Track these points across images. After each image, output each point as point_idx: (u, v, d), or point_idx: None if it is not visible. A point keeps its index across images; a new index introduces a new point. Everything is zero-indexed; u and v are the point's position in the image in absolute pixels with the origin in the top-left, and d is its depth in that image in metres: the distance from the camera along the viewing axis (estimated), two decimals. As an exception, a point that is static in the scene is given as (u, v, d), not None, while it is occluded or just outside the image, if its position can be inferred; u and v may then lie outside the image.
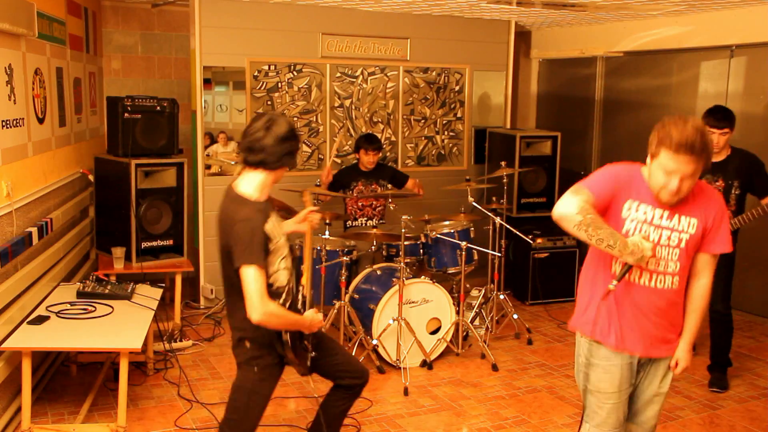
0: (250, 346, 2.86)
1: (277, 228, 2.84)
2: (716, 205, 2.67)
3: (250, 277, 2.67)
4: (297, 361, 2.89)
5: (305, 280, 3.09)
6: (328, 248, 4.94)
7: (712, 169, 4.43)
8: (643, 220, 2.60)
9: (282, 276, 2.86)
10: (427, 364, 4.79)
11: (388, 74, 6.44)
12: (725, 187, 4.40)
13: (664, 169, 2.50)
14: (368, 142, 5.47)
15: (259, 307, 2.66)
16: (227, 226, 2.77)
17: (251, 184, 2.83)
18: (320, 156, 6.26)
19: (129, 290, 4.23)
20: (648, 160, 2.66)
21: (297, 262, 2.99)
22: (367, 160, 5.46)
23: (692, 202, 2.63)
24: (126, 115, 4.92)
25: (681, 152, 2.42)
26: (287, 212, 5.10)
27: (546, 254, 6.13)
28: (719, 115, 4.29)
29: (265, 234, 2.74)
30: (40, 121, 4.28)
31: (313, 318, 2.92)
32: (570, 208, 2.47)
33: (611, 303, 2.66)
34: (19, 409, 3.68)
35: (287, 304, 2.83)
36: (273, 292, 2.80)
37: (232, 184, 2.86)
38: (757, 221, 4.29)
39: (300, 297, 2.96)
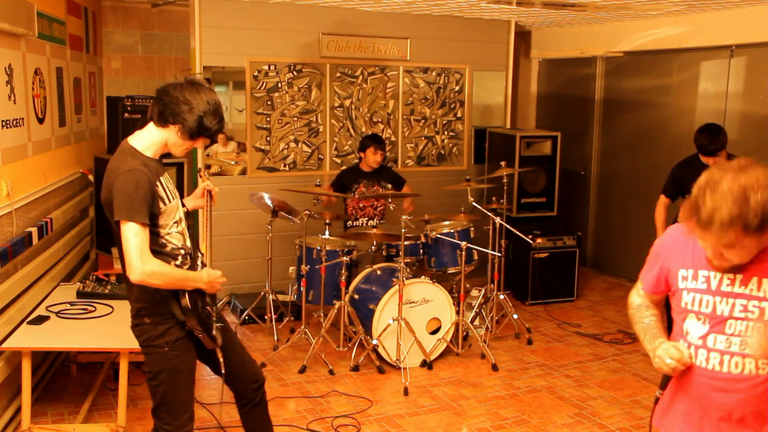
0: (150, 322, 2.64)
1: (170, 190, 2.66)
2: None
3: (129, 232, 2.44)
4: (200, 328, 2.65)
5: (204, 248, 2.91)
6: (328, 248, 4.94)
7: None
8: (704, 290, 2.01)
9: (175, 238, 2.66)
10: (427, 364, 4.79)
11: (388, 74, 6.44)
12: None
13: (701, 240, 1.92)
14: (376, 142, 5.54)
15: (138, 265, 2.44)
16: (111, 176, 2.52)
17: (147, 138, 2.64)
18: (320, 156, 6.26)
19: (129, 290, 4.22)
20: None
21: (192, 227, 2.82)
22: (374, 159, 5.51)
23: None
24: (126, 115, 4.93)
25: (708, 228, 1.83)
26: (289, 212, 5.11)
27: (546, 254, 6.13)
28: (706, 143, 4.35)
29: (152, 191, 2.53)
30: (40, 121, 4.28)
31: (209, 273, 2.70)
32: (630, 306, 2.30)
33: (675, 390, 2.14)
34: (19, 409, 3.68)
35: (185, 268, 2.66)
36: (168, 253, 2.62)
37: (127, 137, 2.67)
38: None
39: (199, 263, 2.78)
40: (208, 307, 2.74)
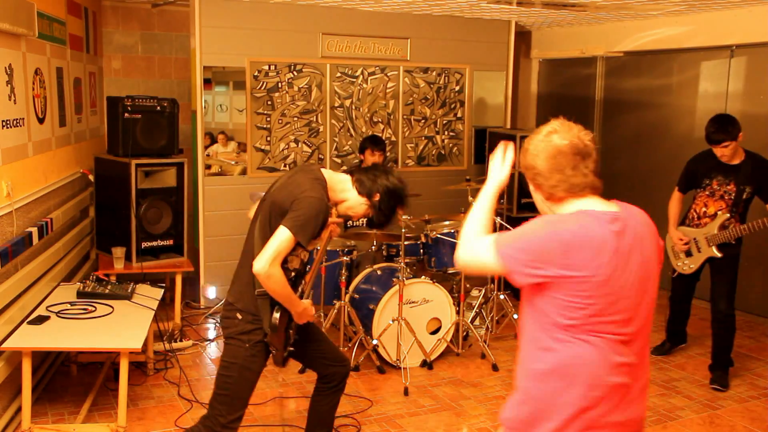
0: (241, 318, 2.84)
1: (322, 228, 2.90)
2: None
3: (283, 238, 2.68)
4: (276, 345, 2.87)
5: (308, 277, 3.10)
6: (328, 248, 4.94)
7: (725, 171, 4.41)
8: None
9: (297, 262, 2.88)
10: (427, 364, 4.79)
11: (388, 74, 6.44)
12: (737, 192, 4.39)
13: None
14: (374, 143, 5.53)
15: (266, 261, 2.65)
16: (296, 191, 2.76)
17: (337, 182, 2.92)
18: (320, 156, 6.26)
19: (129, 290, 4.23)
20: None
21: (309, 259, 3.04)
22: (373, 161, 5.50)
23: None
24: (126, 115, 4.92)
25: None
26: None
27: (546, 254, 6.12)
28: (712, 130, 4.33)
29: (322, 226, 2.79)
30: (40, 121, 4.28)
31: (307, 307, 2.92)
32: None
33: None
34: (19, 409, 3.68)
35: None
36: (284, 269, 2.79)
37: (321, 167, 2.94)
38: (760, 232, 4.30)
39: (300, 289, 2.96)
40: (291, 331, 2.94)
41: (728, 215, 4.40)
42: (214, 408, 2.89)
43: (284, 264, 2.79)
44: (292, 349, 2.98)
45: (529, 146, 2.05)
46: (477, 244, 2.01)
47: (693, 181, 4.65)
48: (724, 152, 4.34)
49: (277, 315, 2.80)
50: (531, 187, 2.15)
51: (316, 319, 5.01)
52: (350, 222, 5.63)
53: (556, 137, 2.05)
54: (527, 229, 1.97)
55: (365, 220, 5.60)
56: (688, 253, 4.65)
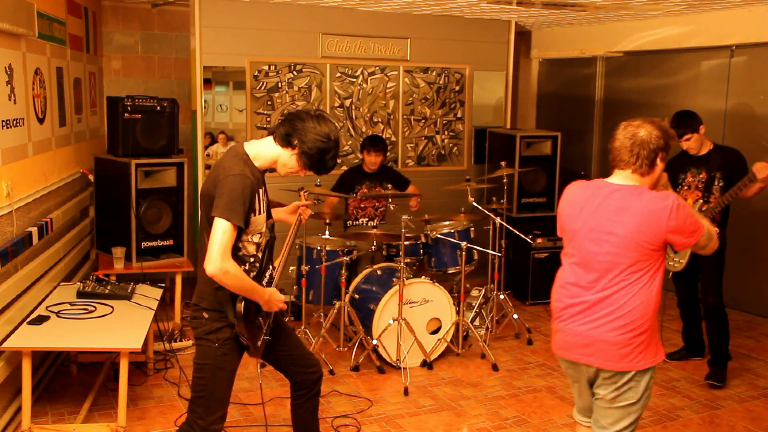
0: (208, 317, 2.76)
1: (263, 202, 2.79)
2: None
3: (220, 229, 2.58)
4: (247, 335, 2.76)
5: (278, 263, 3.01)
6: (328, 248, 4.94)
7: (696, 162, 4.60)
8: None
9: (250, 247, 2.78)
10: (427, 364, 4.79)
11: (388, 74, 6.44)
12: (707, 179, 4.55)
13: None
14: (372, 144, 5.54)
15: (216, 260, 2.56)
16: (220, 174, 2.67)
17: (261, 149, 2.78)
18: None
19: (129, 290, 4.23)
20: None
21: (271, 242, 2.92)
22: (370, 161, 5.51)
23: None
24: (126, 115, 4.92)
25: None
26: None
27: (546, 254, 6.13)
28: (673, 125, 4.49)
29: (252, 199, 2.67)
30: (40, 121, 4.28)
31: (273, 294, 2.82)
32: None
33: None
34: (19, 409, 3.68)
35: (251, 275, 2.77)
36: (238, 258, 2.71)
37: (242, 142, 2.83)
38: (735, 199, 4.41)
39: (267, 275, 2.88)
40: (260, 318, 2.85)
41: (700, 202, 4.53)
42: (193, 411, 2.82)
43: (238, 252, 2.72)
44: (267, 337, 2.90)
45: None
46: None
47: (672, 179, 4.72)
48: (689, 145, 4.54)
49: (240, 304, 2.69)
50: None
51: (316, 318, 5.02)
52: (350, 222, 5.63)
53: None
54: None
55: (366, 219, 5.61)
56: (675, 250, 4.66)
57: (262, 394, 4.10)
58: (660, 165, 2.68)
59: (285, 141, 2.75)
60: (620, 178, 2.68)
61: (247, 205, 2.65)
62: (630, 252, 2.59)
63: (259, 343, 2.86)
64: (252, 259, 2.80)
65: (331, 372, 4.63)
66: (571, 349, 2.76)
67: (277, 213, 3.14)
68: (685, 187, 4.66)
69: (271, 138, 2.80)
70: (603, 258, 2.64)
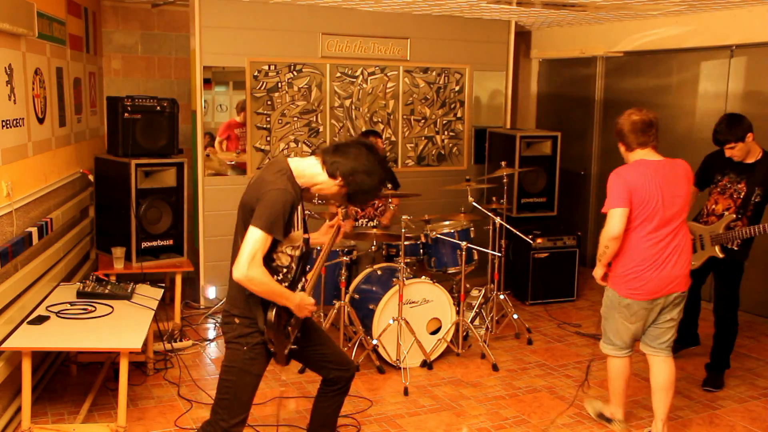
0: (239, 323, 2.83)
1: (300, 218, 2.84)
2: None
3: (254, 237, 2.65)
4: (274, 343, 2.83)
5: (311, 275, 3.08)
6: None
7: (738, 169, 4.34)
8: None
9: (284, 258, 2.85)
10: (427, 364, 4.79)
11: (388, 74, 6.44)
12: (747, 192, 4.29)
13: None
14: (375, 133, 5.65)
15: (244, 266, 2.62)
16: (262, 187, 2.74)
17: (306, 169, 2.83)
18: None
19: (129, 290, 4.23)
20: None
21: (306, 255, 2.99)
22: (380, 148, 5.55)
23: None
24: (126, 115, 4.92)
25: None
26: None
27: (546, 254, 6.13)
28: (717, 130, 4.27)
29: (291, 215, 2.74)
30: (40, 121, 4.28)
31: (303, 299, 2.88)
32: None
33: None
34: (19, 409, 3.68)
35: (283, 285, 2.83)
36: (271, 268, 2.78)
37: (286, 156, 2.88)
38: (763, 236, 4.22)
39: (300, 286, 2.94)
40: (290, 328, 2.91)
41: (734, 216, 4.30)
42: (216, 413, 2.88)
43: (271, 263, 2.78)
44: (294, 346, 2.96)
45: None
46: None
47: (707, 176, 4.54)
48: (732, 153, 4.26)
49: (271, 312, 2.78)
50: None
51: (316, 318, 5.02)
52: (356, 223, 5.63)
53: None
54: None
55: (366, 220, 5.61)
56: (692, 250, 4.60)
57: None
58: None
59: (332, 170, 2.80)
60: (649, 154, 3.61)
61: (287, 219, 2.71)
62: (687, 207, 3.65)
63: (286, 352, 2.92)
64: (285, 270, 2.86)
65: (331, 372, 4.63)
66: (663, 288, 3.60)
67: (312, 236, 3.17)
68: (718, 189, 4.44)
69: (316, 161, 2.84)
70: (678, 216, 3.59)
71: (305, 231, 2.96)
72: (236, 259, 2.66)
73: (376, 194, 2.93)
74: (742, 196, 4.32)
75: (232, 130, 5.95)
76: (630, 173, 3.58)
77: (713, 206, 4.50)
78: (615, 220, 3.61)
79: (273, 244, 2.73)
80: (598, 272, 3.77)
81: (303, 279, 2.99)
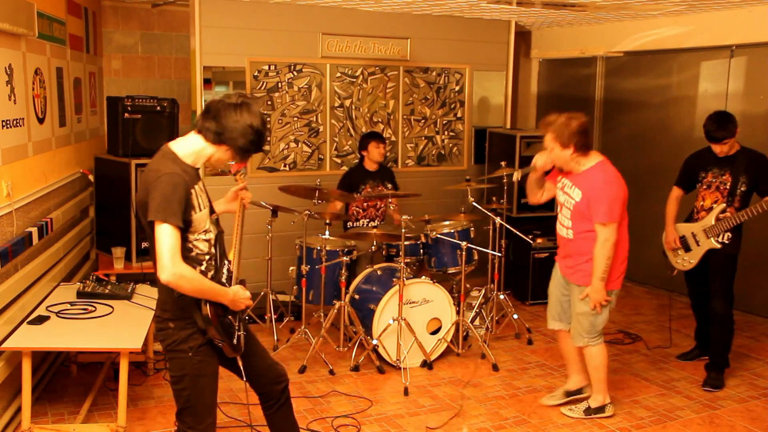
0: (174, 326, 2.66)
1: (202, 199, 2.68)
2: (597, 183, 3.73)
3: (164, 233, 2.48)
4: (220, 337, 2.66)
5: (232, 255, 2.92)
6: (328, 248, 4.94)
7: (720, 163, 4.46)
8: (560, 187, 3.94)
9: (201, 245, 2.68)
10: (427, 364, 4.79)
11: (388, 74, 6.44)
12: (732, 183, 4.41)
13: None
14: (377, 136, 5.63)
15: (169, 266, 2.47)
16: (150, 178, 2.57)
17: (189, 146, 2.67)
18: (320, 156, 6.25)
19: (129, 290, 4.23)
20: None
21: (220, 236, 2.83)
22: (379, 153, 5.56)
23: (582, 178, 3.78)
24: (126, 115, 4.92)
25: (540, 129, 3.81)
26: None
27: (546, 254, 6.13)
28: (713, 128, 4.38)
29: (187, 196, 2.57)
30: (40, 121, 4.28)
31: (237, 293, 2.73)
32: None
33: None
34: (19, 409, 3.68)
35: (209, 274, 2.68)
36: (192, 258, 2.63)
37: (169, 142, 2.71)
38: (757, 217, 4.32)
39: (225, 271, 2.79)
40: (230, 317, 2.75)
41: (724, 205, 4.42)
42: (183, 422, 2.76)
43: (190, 253, 2.63)
44: (242, 332, 2.81)
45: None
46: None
47: (692, 177, 4.66)
48: (723, 148, 4.40)
49: (206, 307, 2.61)
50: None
51: (316, 318, 5.02)
52: (350, 223, 5.63)
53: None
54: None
55: (366, 221, 5.61)
56: (687, 249, 4.64)
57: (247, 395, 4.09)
58: None
59: (216, 139, 2.63)
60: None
61: (183, 203, 2.54)
62: None
63: (235, 341, 2.76)
64: (207, 257, 2.70)
65: (331, 372, 4.63)
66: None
67: (217, 205, 3.00)
68: (704, 186, 4.56)
69: (198, 136, 2.66)
70: None
71: (212, 211, 2.78)
72: (157, 262, 2.49)
73: (264, 136, 2.69)
74: (728, 187, 4.44)
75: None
76: (621, 178, 3.80)
77: (702, 202, 4.61)
78: (614, 231, 3.72)
79: (184, 234, 2.58)
80: (602, 292, 3.81)
81: (226, 262, 2.83)
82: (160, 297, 2.72)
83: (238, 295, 2.74)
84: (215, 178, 5.89)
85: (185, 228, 2.59)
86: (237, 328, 2.79)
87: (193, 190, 2.61)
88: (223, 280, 2.76)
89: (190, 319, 2.65)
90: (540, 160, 3.95)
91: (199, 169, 2.71)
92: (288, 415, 3.08)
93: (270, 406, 3.02)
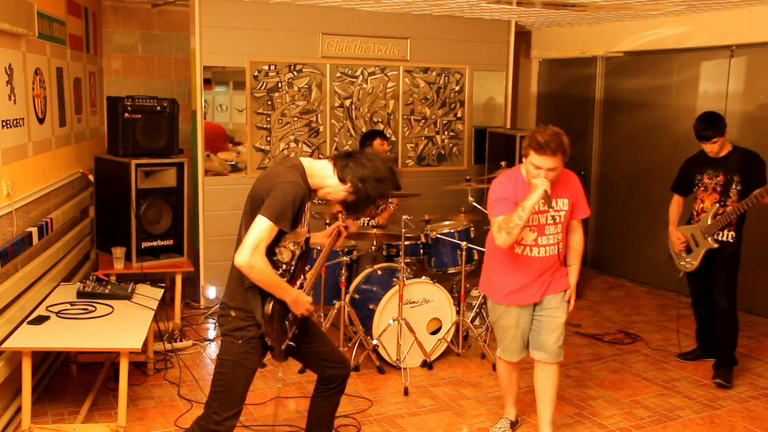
0: (235, 315, 2.83)
1: (306, 216, 2.86)
2: (576, 184, 3.62)
3: (260, 226, 2.65)
4: (272, 337, 2.83)
5: (310, 275, 3.09)
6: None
7: (713, 164, 4.53)
8: (532, 212, 3.40)
9: (285, 253, 2.85)
10: (427, 364, 4.79)
11: (388, 74, 6.44)
12: (725, 182, 4.48)
13: (533, 164, 3.35)
14: (381, 134, 5.66)
15: (247, 253, 2.63)
16: (274, 179, 2.75)
17: (317, 168, 2.85)
18: (320, 156, 6.25)
19: (129, 290, 4.23)
20: (523, 160, 3.42)
21: (305, 253, 3.00)
22: (383, 150, 5.56)
23: (560, 186, 3.51)
24: (126, 115, 4.93)
25: (541, 152, 3.30)
26: None
27: (546, 254, 6.12)
28: (702, 127, 4.47)
29: (300, 210, 2.75)
30: (40, 121, 4.28)
31: (300, 295, 2.88)
32: (498, 238, 3.38)
33: (509, 273, 3.60)
34: (19, 409, 3.68)
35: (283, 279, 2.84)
36: (272, 262, 2.77)
37: (299, 156, 2.88)
38: (748, 210, 4.37)
39: (298, 283, 2.95)
40: (287, 322, 2.90)
41: (718, 205, 4.49)
42: (209, 406, 2.88)
43: (272, 257, 2.78)
44: (291, 343, 2.95)
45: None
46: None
47: (689, 180, 4.73)
48: (712, 148, 4.47)
49: (269, 305, 2.77)
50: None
51: (317, 319, 5.02)
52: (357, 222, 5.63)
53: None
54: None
55: (366, 219, 5.60)
56: (688, 251, 4.68)
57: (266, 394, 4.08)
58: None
59: (343, 176, 2.82)
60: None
61: (295, 212, 2.72)
62: None
63: (283, 347, 2.90)
64: (285, 266, 2.86)
65: (331, 372, 4.63)
66: None
67: (313, 236, 3.19)
68: (702, 189, 4.61)
69: (328, 164, 2.86)
70: None
71: (308, 230, 2.97)
72: (240, 246, 2.66)
73: (377, 203, 2.95)
74: (722, 185, 4.49)
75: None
76: None
77: (701, 205, 4.65)
78: None
79: (277, 237, 2.73)
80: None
81: (302, 277, 3.00)
82: (229, 285, 2.88)
83: (300, 297, 2.89)
84: (213, 178, 5.90)
85: (282, 234, 2.75)
86: (289, 337, 2.93)
87: (305, 205, 2.81)
88: (294, 286, 2.92)
89: (251, 312, 2.80)
90: (547, 185, 3.37)
91: (313, 191, 2.88)
92: (335, 405, 3.24)
93: (327, 389, 3.17)
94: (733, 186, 4.45)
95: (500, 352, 3.83)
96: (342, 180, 2.83)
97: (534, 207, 3.35)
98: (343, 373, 3.16)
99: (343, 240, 3.35)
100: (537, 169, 3.33)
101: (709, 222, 4.51)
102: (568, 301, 3.68)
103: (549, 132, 3.32)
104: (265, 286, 2.74)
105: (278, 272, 2.82)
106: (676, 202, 4.83)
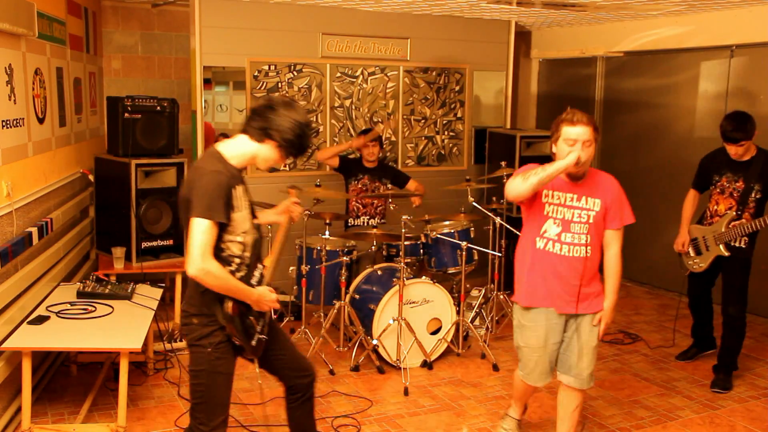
0: (197, 322, 2.72)
1: (242, 200, 2.72)
2: (613, 188, 3.30)
3: (198, 228, 2.54)
4: (239, 336, 2.72)
5: (268, 261, 2.98)
6: (328, 248, 4.94)
7: (734, 167, 4.35)
8: (558, 203, 3.25)
9: (235, 247, 2.72)
10: (427, 364, 4.79)
11: (388, 74, 6.44)
12: (744, 189, 4.30)
13: (567, 140, 3.14)
14: (364, 134, 5.62)
15: (197, 261, 2.53)
16: (191, 178, 2.65)
17: (235, 147, 2.73)
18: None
19: (129, 290, 4.23)
20: (554, 147, 3.23)
21: (258, 241, 2.87)
22: (368, 152, 5.55)
23: (594, 186, 3.27)
24: (126, 115, 4.92)
25: (576, 123, 3.11)
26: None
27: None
28: (730, 129, 4.22)
29: (229, 196, 2.63)
30: (40, 121, 4.28)
31: (263, 294, 2.78)
32: (512, 182, 3.24)
33: (536, 271, 3.30)
34: (19, 409, 3.68)
35: (237, 275, 2.71)
36: (223, 258, 2.66)
37: (216, 144, 2.77)
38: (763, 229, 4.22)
39: (257, 273, 2.83)
40: (251, 318, 2.79)
41: (735, 214, 4.34)
42: (195, 417, 2.80)
43: (221, 253, 2.66)
44: (263, 336, 2.85)
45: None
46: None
47: (706, 178, 4.57)
48: (737, 151, 4.27)
49: (228, 304, 2.66)
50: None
51: (317, 319, 5.02)
52: (350, 221, 5.63)
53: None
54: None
55: (366, 218, 5.61)
56: (698, 252, 4.60)
57: (262, 394, 4.10)
58: None
59: (263, 135, 2.70)
60: None
61: (225, 200, 2.60)
62: None
63: (254, 343, 2.80)
64: (238, 260, 2.74)
65: (331, 372, 4.63)
66: None
67: (267, 215, 3.12)
68: (718, 191, 4.45)
69: (244, 136, 2.73)
70: None
71: (253, 216, 2.83)
72: (187, 256, 2.56)
73: (307, 132, 2.75)
74: (741, 193, 4.33)
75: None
76: None
77: (715, 207, 4.53)
78: None
79: (219, 233, 2.62)
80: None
81: (260, 266, 2.88)
82: (187, 292, 2.78)
83: (263, 296, 2.80)
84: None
85: (223, 227, 2.64)
86: (259, 331, 2.83)
87: (234, 190, 2.66)
88: (253, 282, 2.80)
89: (214, 316, 2.70)
90: (584, 155, 3.12)
91: (242, 170, 2.77)
92: (309, 411, 3.14)
93: (294, 400, 3.08)
94: (753, 195, 4.27)
95: (523, 376, 3.46)
96: (261, 140, 2.70)
97: (559, 174, 3.13)
98: (307, 381, 3.06)
99: (297, 217, 3.17)
100: (572, 145, 3.10)
101: (723, 229, 4.37)
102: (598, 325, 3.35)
103: (578, 110, 3.18)
104: (223, 290, 2.64)
105: (232, 267, 2.70)
106: (692, 198, 4.66)
